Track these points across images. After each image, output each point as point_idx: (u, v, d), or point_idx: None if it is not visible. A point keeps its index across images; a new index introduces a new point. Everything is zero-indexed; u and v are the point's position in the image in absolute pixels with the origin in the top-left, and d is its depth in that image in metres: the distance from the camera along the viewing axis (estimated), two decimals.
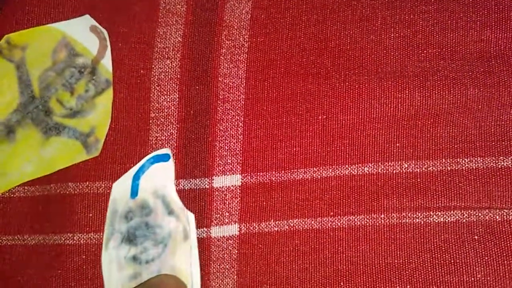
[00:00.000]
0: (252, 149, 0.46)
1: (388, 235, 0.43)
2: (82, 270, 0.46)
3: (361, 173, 0.44)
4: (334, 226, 0.44)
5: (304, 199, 0.45)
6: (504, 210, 0.42)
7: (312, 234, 0.44)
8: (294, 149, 0.45)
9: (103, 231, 0.46)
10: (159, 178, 0.45)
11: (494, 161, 0.43)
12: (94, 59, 0.49)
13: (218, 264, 0.45)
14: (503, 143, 0.43)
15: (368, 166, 0.44)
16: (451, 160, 0.43)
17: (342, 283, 0.43)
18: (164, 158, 0.46)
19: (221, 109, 0.47)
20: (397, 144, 0.44)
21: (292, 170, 0.45)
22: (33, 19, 0.50)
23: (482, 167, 0.43)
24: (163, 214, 0.45)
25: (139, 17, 0.49)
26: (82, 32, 0.49)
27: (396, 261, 0.43)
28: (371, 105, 0.45)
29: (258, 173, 0.45)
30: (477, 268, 0.42)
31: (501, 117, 0.43)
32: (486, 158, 0.43)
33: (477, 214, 0.42)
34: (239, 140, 0.46)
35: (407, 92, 0.45)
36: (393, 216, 0.43)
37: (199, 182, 0.46)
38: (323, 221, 0.44)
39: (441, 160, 0.43)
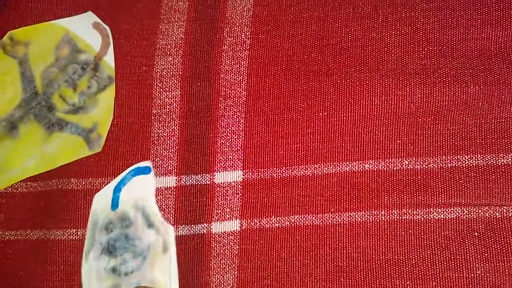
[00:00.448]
0: (253, 145, 0.46)
1: (388, 232, 0.43)
2: None
3: (361, 169, 0.44)
4: (334, 222, 0.44)
5: (305, 196, 0.45)
6: (504, 207, 0.42)
7: (313, 230, 0.44)
8: (295, 145, 0.45)
9: None
10: (139, 190, 0.45)
11: (494, 158, 0.43)
12: (96, 55, 0.49)
13: (219, 259, 0.45)
14: (503, 140, 0.43)
15: (369, 162, 0.44)
16: (451, 157, 0.43)
17: (342, 279, 0.43)
18: (145, 170, 0.46)
19: (222, 105, 0.47)
20: (398, 141, 0.44)
21: (293, 167, 0.45)
22: (36, 15, 0.50)
23: (482, 164, 0.43)
24: (143, 226, 0.45)
25: (142, 14, 0.49)
26: (84, 29, 0.49)
27: (396, 257, 0.43)
28: (372, 102, 0.45)
29: (260, 169, 0.46)
30: (476, 265, 0.42)
31: (501, 114, 0.43)
32: (486, 155, 0.43)
33: (477, 211, 0.43)
34: (241, 137, 0.46)
35: (408, 89, 0.45)
36: (394, 212, 0.43)
37: (201, 178, 0.46)
38: (324, 217, 0.44)
39: (441, 157, 0.44)
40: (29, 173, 0.48)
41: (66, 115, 0.48)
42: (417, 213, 0.43)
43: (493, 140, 0.43)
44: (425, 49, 0.45)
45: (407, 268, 0.42)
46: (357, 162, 0.44)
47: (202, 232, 0.45)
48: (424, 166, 0.44)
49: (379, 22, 0.46)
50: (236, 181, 0.46)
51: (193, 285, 0.45)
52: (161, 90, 0.48)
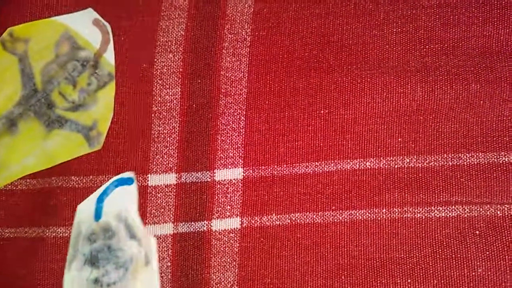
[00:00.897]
0: (254, 142, 0.46)
1: (389, 230, 0.43)
2: None
3: (363, 167, 0.44)
4: (335, 220, 0.44)
5: (306, 193, 0.45)
6: (505, 205, 0.42)
7: (314, 228, 0.44)
8: (296, 143, 0.45)
9: None
10: (122, 201, 0.45)
11: (495, 156, 0.43)
12: (96, 52, 0.49)
13: (219, 257, 0.45)
14: (504, 138, 0.43)
15: (370, 160, 0.44)
16: (452, 155, 0.43)
17: (343, 277, 0.43)
18: (127, 181, 0.45)
19: (223, 102, 0.47)
20: (399, 139, 0.44)
21: (294, 164, 0.45)
22: (36, 12, 0.50)
23: (483, 162, 0.43)
24: (125, 237, 0.44)
25: (142, 11, 0.49)
26: (85, 26, 0.49)
27: (397, 255, 0.43)
28: (373, 100, 0.45)
29: (260, 167, 0.45)
30: (478, 263, 0.42)
31: (502, 112, 0.43)
32: (488, 153, 0.43)
33: (478, 209, 0.42)
34: (241, 134, 0.46)
35: (409, 87, 0.45)
36: (395, 210, 0.43)
37: (201, 176, 0.46)
38: (325, 215, 0.44)
39: (442, 155, 0.44)
40: (29, 171, 0.48)
41: (66, 112, 0.48)
42: (418, 211, 0.43)
43: (495, 138, 0.43)
44: (427, 46, 0.45)
45: (408, 266, 0.42)
46: (358, 160, 0.44)
47: (202, 230, 0.45)
48: (425, 164, 0.44)
49: (380, 19, 0.46)
50: (237, 179, 0.46)
51: (193, 283, 0.45)
52: (162, 87, 0.48)
